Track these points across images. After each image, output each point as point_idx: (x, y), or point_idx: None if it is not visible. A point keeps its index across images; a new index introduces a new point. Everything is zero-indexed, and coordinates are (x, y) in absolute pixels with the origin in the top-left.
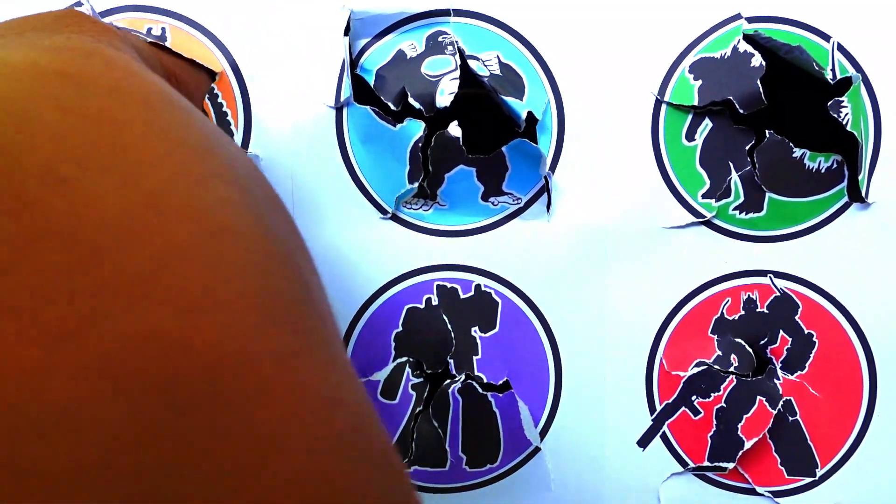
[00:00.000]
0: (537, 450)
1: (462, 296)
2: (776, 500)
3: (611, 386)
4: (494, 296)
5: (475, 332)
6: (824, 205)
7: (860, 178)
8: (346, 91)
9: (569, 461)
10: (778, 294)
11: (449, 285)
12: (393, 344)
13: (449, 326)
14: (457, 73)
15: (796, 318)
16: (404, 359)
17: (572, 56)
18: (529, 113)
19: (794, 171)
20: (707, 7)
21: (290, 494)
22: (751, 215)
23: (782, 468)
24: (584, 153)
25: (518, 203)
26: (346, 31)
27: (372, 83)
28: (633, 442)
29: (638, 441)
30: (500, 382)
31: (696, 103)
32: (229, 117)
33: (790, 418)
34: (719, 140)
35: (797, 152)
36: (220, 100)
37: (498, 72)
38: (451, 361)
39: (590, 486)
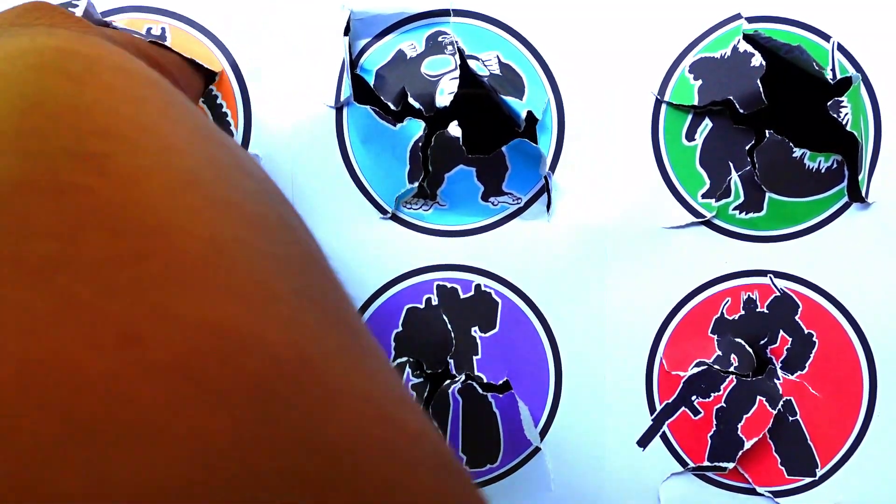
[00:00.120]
0: (537, 450)
1: (462, 296)
2: (776, 500)
3: (611, 386)
4: (494, 296)
5: (475, 332)
6: (824, 205)
7: (860, 177)
8: (346, 91)
9: (569, 461)
10: (778, 294)
11: (449, 285)
12: (393, 344)
13: (449, 326)
14: (457, 73)
15: (796, 318)
16: (404, 359)
17: (572, 56)
18: (529, 113)
19: (794, 171)
20: (707, 7)
21: None
22: (751, 215)
23: (782, 468)
24: (584, 153)
25: (518, 203)
26: (346, 31)
27: (372, 83)
28: (633, 442)
29: (638, 441)
30: (500, 382)
31: (696, 103)
32: (229, 117)
33: (790, 418)
34: (719, 140)
35: (797, 152)
36: (219, 100)
37: (498, 72)
38: (451, 361)
39: (590, 486)
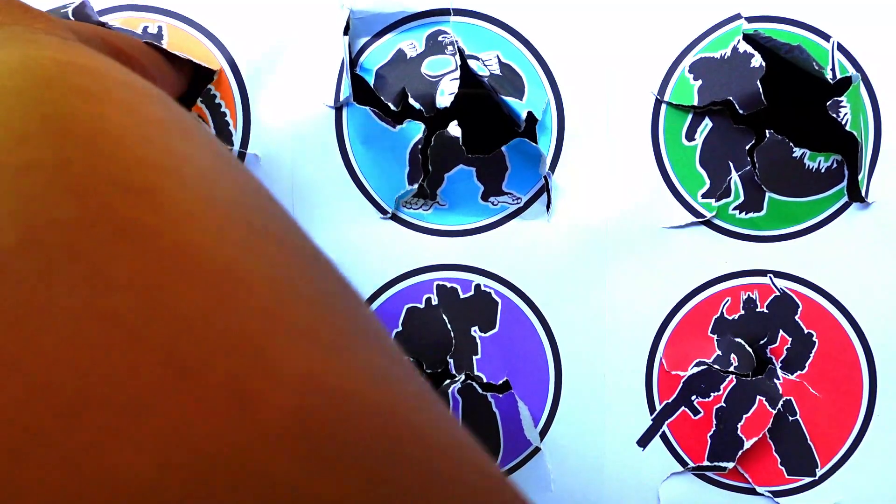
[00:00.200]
0: (537, 450)
1: (462, 295)
2: (776, 499)
3: (611, 386)
4: (494, 295)
5: (475, 331)
6: (824, 204)
7: (860, 177)
8: (346, 91)
9: (569, 461)
10: (778, 294)
11: (449, 285)
12: None
13: (449, 326)
14: (457, 74)
15: (796, 317)
16: None
17: (572, 56)
18: (529, 113)
19: (793, 171)
20: (707, 7)
21: None
22: (751, 215)
23: (782, 468)
24: (583, 153)
25: (518, 203)
26: (346, 31)
27: (372, 83)
28: (632, 442)
29: (638, 441)
30: (500, 382)
31: (696, 103)
32: (228, 117)
33: (790, 418)
34: (719, 140)
35: (797, 152)
36: (218, 100)
37: (498, 71)
38: (451, 361)
39: (590, 485)
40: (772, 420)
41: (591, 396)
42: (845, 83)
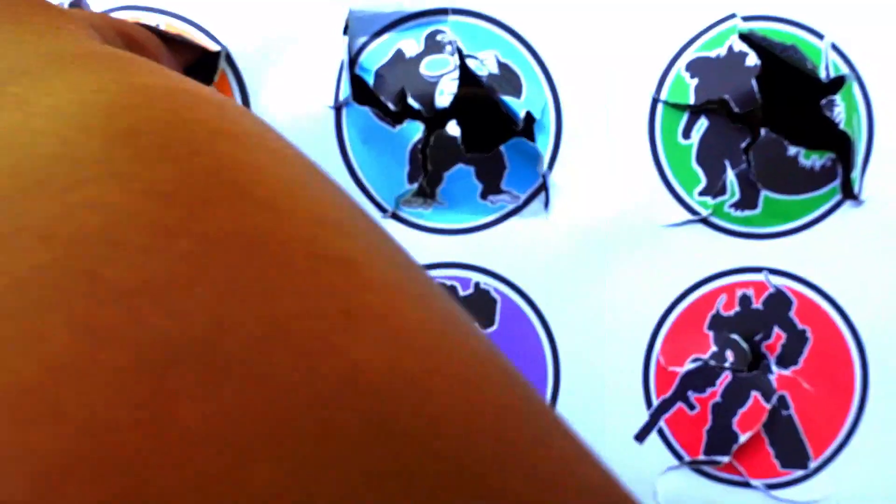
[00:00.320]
0: None
1: (461, 293)
2: (770, 492)
3: (609, 382)
4: (493, 293)
5: None
6: (818, 202)
7: (853, 175)
8: (346, 91)
9: None
10: (772, 291)
11: (448, 283)
12: None
13: None
14: (456, 74)
15: (790, 314)
16: None
17: (570, 55)
18: (528, 113)
19: (788, 169)
20: (702, 6)
21: None
22: (746, 213)
23: (776, 461)
24: (581, 151)
25: (516, 201)
26: (345, 31)
27: (371, 83)
28: (630, 437)
29: (635, 436)
30: None
31: (692, 102)
32: None
33: (784, 412)
34: (715, 138)
35: (792, 150)
36: None
37: (496, 71)
38: None
39: None
40: (766, 414)
41: (589, 392)
42: (839, 82)
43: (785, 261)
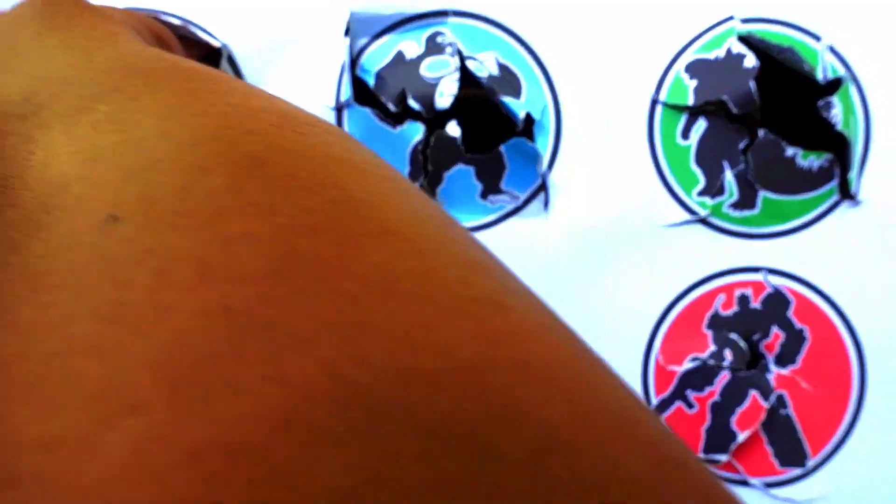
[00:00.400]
0: None
1: None
2: (768, 490)
3: None
4: None
5: None
6: (816, 202)
7: (851, 176)
8: (346, 92)
9: None
10: (771, 290)
11: None
12: None
13: None
14: (456, 75)
15: (789, 313)
16: None
17: (569, 56)
18: (527, 113)
19: (786, 170)
20: (701, 8)
21: None
22: (744, 213)
23: (774, 460)
24: (581, 152)
25: (516, 201)
26: (346, 32)
27: (372, 84)
28: None
29: None
30: None
31: (692, 103)
32: None
33: (782, 411)
34: (714, 139)
35: (790, 151)
36: None
37: (496, 72)
38: None
39: None
40: (765, 413)
41: None
42: (836, 84)
43: (783, 261)
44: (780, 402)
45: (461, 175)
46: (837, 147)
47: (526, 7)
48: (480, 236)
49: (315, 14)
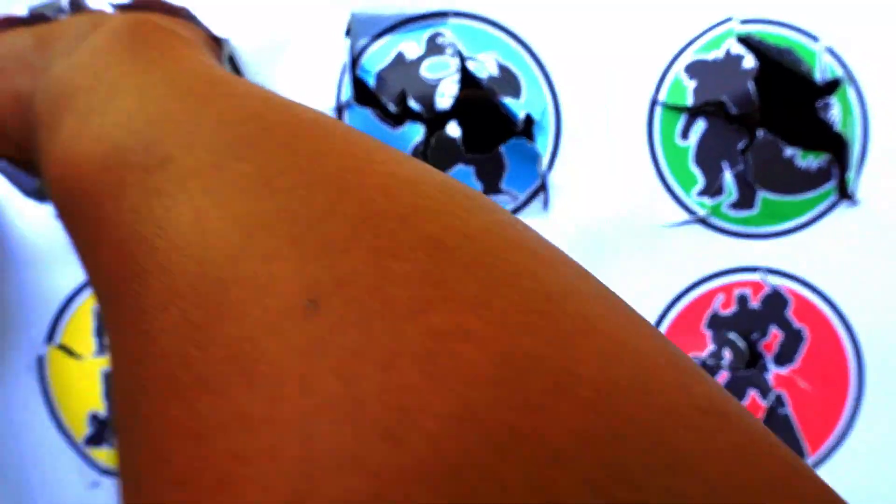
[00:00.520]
0: None
1: None
2: None
3: None
4: None
5: None
6: (815, 202)
7: (849, 176)
8: (347, 92)
9: None
10: (769, 290)
11: None
12: None
13: None
14: (456, 76)
15: (787, 313)
16: None
17: (569, 57)
18: (527, 114)
19: (785, 170)
20: (700, 10)
21: None
22: (743, 213)
23: None
24: (580, 152)
25: (516, 201)
26: (347, 33)
27: (372, 84)
28: None
29: None
30: None
31: (691, 103)
32: None
33: (780, 410)
34: (713, 139)
35: (788, 151)
36: None
37: (496, 73)
38: None
39: None
40: (763, 413)
41: None
42: (834, 85)
43: (782, 260)
44: (779, 401)
45: (461, 175)
46: (836, 147)
47: (526, 8)
48: None
49: (316, 14)
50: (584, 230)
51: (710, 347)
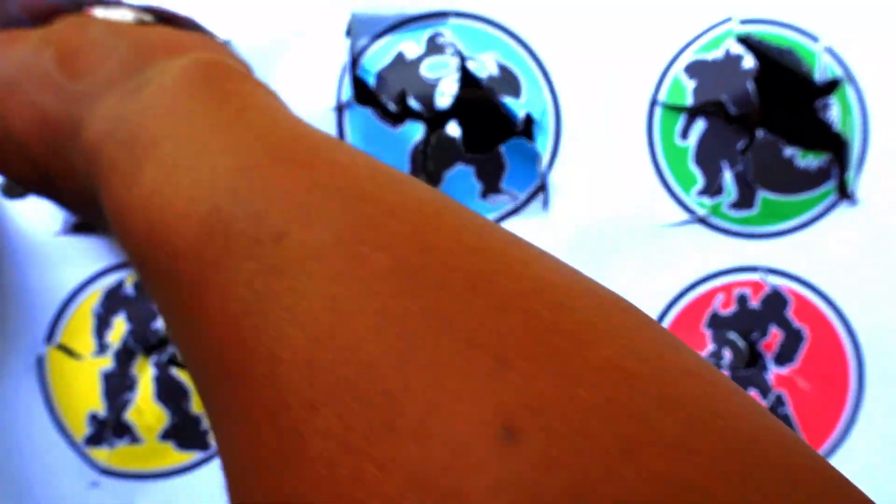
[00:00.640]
0: None
1: None
2: None
3: None
4: None
5: None
6: (814, 202)
7: (849, 176)
8: (347, 92)
9: None
10: (769, 290)
11: None
12: None
13: None
14: (456, 76)
15: (787, 313)
16: None
17: (569, 57)
18: (527, 114)
19: (785, 170)
20: (699, 9)
21: None
22: (743, 213)
23: None
24: (580, 152)
25: (516, 201)
26: (347, 32)
27: (373, 84)
28: None
29: None
30: None
31: (691, 103)
32: None
33: (780, 410)
34: (713, 139)
35: (788, 151)
36: None
37: (496, 73)
38: None
39: None
40: None
41: None
42: (833, 84)
43: (782, 260)
44: (779, 401)
45: (461, 175)
46: (835, 147)
47: (526, 7)
48: None
49: (316, 14)
50: (583, 230)
51: (710, 347)
